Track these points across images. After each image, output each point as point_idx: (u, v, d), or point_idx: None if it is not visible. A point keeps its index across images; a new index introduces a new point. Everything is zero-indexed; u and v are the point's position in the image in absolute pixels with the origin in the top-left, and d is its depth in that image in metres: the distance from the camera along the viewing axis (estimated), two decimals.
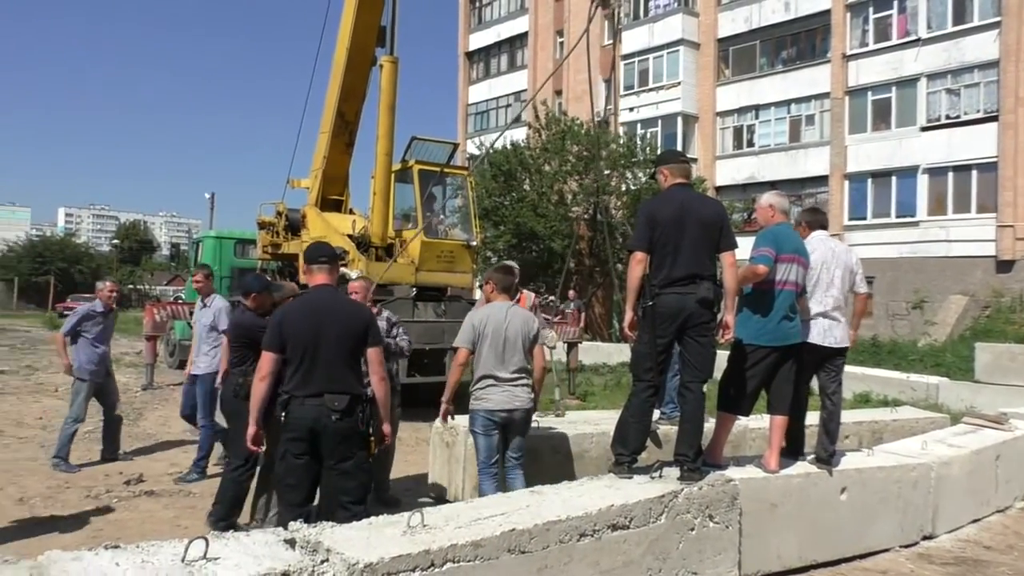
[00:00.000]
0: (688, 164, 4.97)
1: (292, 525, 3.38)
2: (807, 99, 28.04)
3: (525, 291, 7.50)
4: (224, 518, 5.37)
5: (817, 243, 5.33)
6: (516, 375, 5.10)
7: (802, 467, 5.21)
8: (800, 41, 28.57)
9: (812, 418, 5.46)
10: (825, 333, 5.21)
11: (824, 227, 5.56)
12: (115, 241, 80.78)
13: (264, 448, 4.47)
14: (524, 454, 5.23)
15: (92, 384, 7.49)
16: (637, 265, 4.56)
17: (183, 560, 2.85)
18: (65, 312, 40.50)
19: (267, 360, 4.15)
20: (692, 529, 4.33)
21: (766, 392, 5.11)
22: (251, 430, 4.23)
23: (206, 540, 2.95)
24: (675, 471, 4.56)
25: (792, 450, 5.28)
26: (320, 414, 4.05)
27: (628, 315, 4.69)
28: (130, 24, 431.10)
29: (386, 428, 4.42)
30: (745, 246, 4.94)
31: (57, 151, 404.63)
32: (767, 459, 4.98)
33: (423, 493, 6.62)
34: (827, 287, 5.24)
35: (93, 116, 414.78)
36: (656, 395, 4.76)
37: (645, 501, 4.09)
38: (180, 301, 16.47)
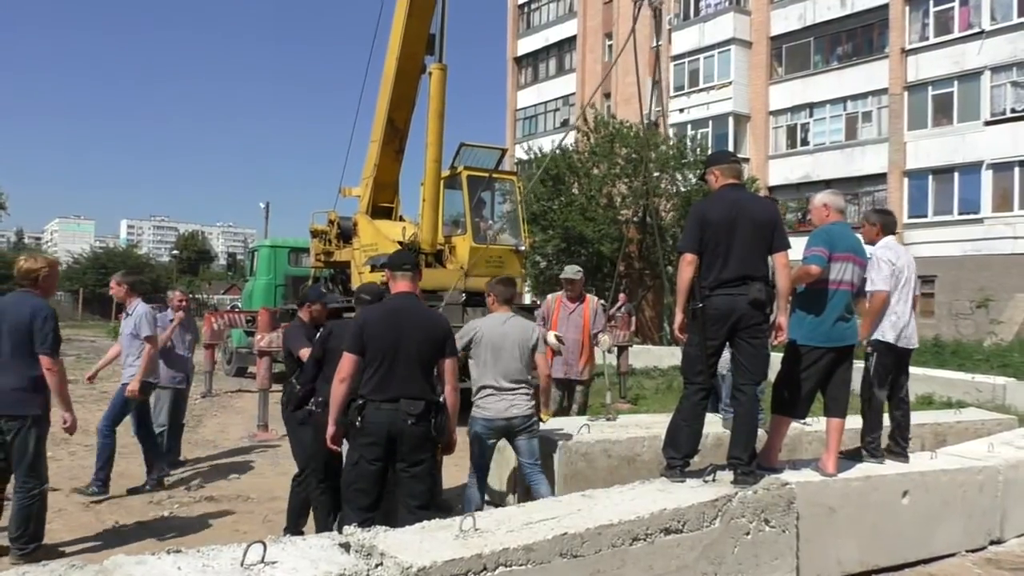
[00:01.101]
0: (739, 164, 4.91)
1: (347, 529, 3.43)
2: (864, 96, 27.46)
3: (589, 295, 7.53)
4: (289, 530, 5.38)
5: (896, 246, 5.47)
6: (515, 385, 5.20)
7: (861, 470, 5.09)
8: (856, 37, 28.00)
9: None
10: (911, 336, 5.40)
11: (895, 230, 5.58)
12: (175, 252, 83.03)
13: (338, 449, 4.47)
14: (540, 459, 5.33)
15: (173, 391, 7.72)
16: (687, 267, 4.52)
17: (242, 564, 2.91)
18: None
19: (348, 362, 4.20)
20: (747, 534, 4.26)
21: (822, 394, 5.01)
22: (331, 430, 4.30)
23: (264, 544, 3.01)
24: (728, 475, 4.50)
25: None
26: (396, 418, 4.12)
27: (678, 317, 4.66)
28: (187, 36, 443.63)
29: (452, 438, 4.47)
30: (799, 246, 4.87)
31: (119, 164, 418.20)
32: (824, 462, 4.87)
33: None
34: (911, 290, 5.42)
35: (153, 129, 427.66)
36: (708, 398, 4.71)
37: (698, 505, 4.04)
38: (236, 310, 16.85)
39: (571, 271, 7.35)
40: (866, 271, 5.16)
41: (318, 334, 5.51)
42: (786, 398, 4.92)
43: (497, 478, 6.32)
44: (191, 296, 57.73)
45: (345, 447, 4.46)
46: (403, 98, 12.22)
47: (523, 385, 5.25)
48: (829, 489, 4.77)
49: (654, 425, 6.47)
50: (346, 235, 13.23)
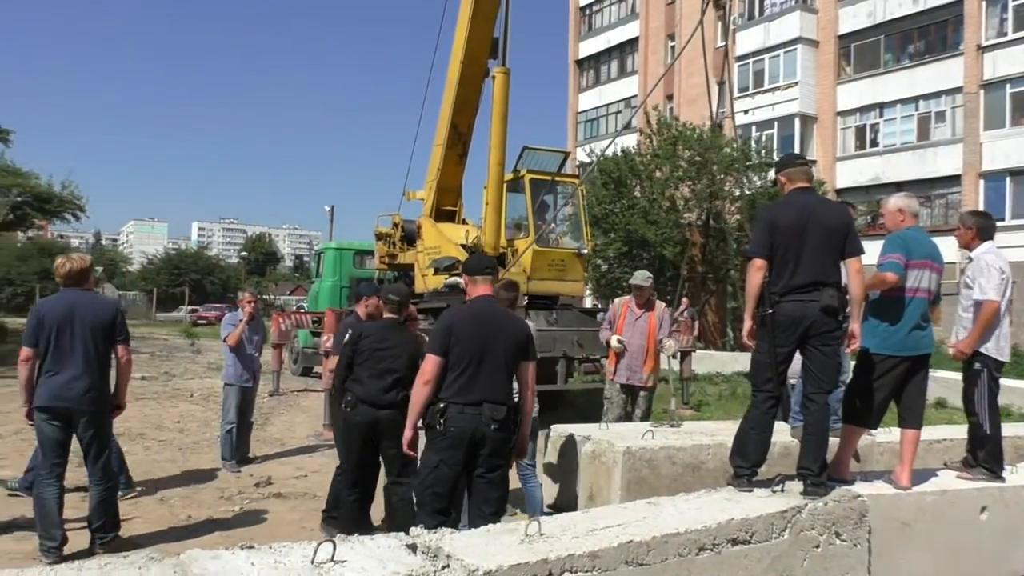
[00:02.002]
0: (809, 167, 4.81)
1: (414, 530, 3.47)
2: (937, 95, 26.63)
3: (657, 302, 7.49)
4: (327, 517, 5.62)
5: (1000, 252, 5.18)
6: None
7: (937, 484, 4.93)
8: (929, 34, 27.17)
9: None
10: (1006, 347, 5.16)
11: (993, 235, 5.30)
12: (243, 253, 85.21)
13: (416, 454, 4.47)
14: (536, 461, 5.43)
15: (241, 389, 7.93)
16: (756, 272, 4.45)
17: (312, 562, 2.97)
18: (199, 320, 43.27)
19: (432, 364, 4.15)
20: (817, 546, 4.16)
21: (896, 404, 4.87)
22: (408, 434, 4.30)
23: (333, 543, 3.07)
24: (798, 485, 4.41)
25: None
26: (478, 423, 4.10)
27: (747, 323, 4.58)
28: (251, 43, 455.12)
29: (524, 443, 4.48)
30: (870, 250, 4.75)
31: (191, 167, 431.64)
32: (898, 475, 4.73)
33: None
34: (1010, 299, 5.16)
35: (222, 131, 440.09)
36: (777, 406, 4.62)
37: (767, 516, 3.97)
38: (302, 311, 17.20)
39: (641, 277, 7.29)
40: (970, 278, 5.00)
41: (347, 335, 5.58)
42: (858, 408, 4.80)
43: (559, 483, 6.33)
44: (259, 297, 59.19)
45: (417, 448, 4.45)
46: (466, 102, 12.32)
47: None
48: (903, 503, 4.63)
49: (719, 432, 6.39)
50: (410, 238, 13.40)
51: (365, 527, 5.33)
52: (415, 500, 4.38)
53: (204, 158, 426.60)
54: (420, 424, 4.35)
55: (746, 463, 4.48)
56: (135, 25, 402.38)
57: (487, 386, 4.15)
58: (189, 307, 48.24)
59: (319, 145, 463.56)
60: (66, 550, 5.00)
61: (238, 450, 7.98)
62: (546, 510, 5.87)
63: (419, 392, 4.19)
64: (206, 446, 8.65)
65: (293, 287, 62.83)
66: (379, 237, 14.10)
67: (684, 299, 21.29)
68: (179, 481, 7.22)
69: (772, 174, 5.10)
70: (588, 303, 26.62)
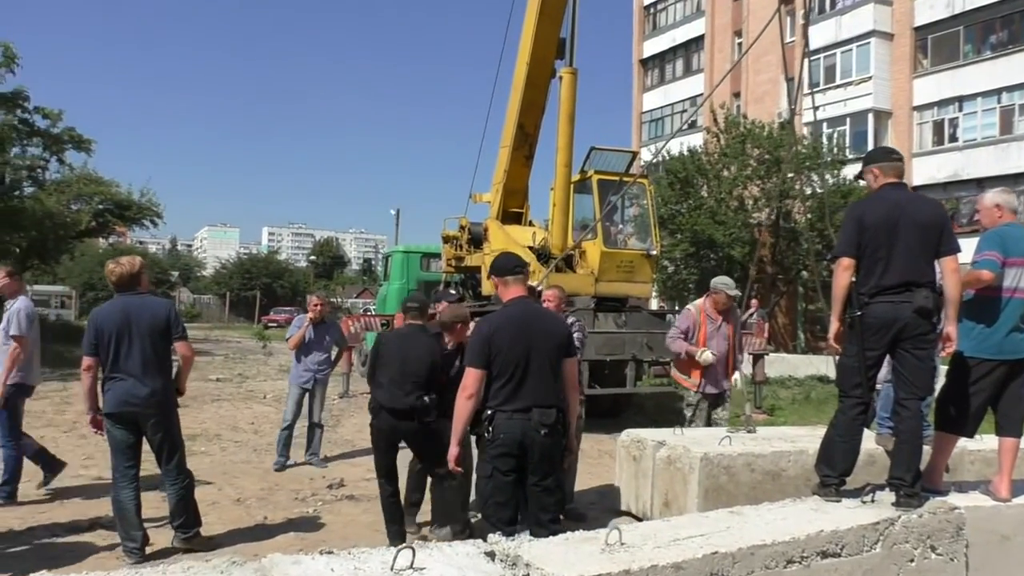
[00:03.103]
0: (901, 162, 4.58)
1: (492, 538, 3.41)
2: (1020, 87, 25.48)
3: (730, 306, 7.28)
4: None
5: None
6: None
7: None
8: (1012, 23, 26.03)
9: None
10: None
11: None
12: (311, 257, 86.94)
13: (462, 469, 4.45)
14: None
15: (299, 390, 8.05)
16: (844, 272, 4.26)
17: (391, 568, 2.93)
18: (270, 324, 44.25)
19: (474, 378, 4.00)
20: (911, 560, 3.97)
21: (992, 411, 4.62)
22: (453, 450, 4.18)
23: (412, 550, 3.03)
24: (889, 496, 4.21)
25: None
26: (528, 428, 3.98)
27: (834, 326, 4.39)
28: (320, 52, 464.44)
29: (573, 442, 4.36)
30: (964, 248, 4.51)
31: (261, 174, 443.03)
32: (997, 485, 4.48)
33: (606, 506, 6.54)
34: None
35: (290, 137, 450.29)
36: (865, 412, 4.42)
37: (857, 528, 3.80)
38: (370, 314, 17.37)
39: (727, 287, 6.86)
40: None
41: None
42: (952, 415, 4.56)
43: (634, 489, 6.20)
44: (326, 300, 60.24)
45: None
46: (533, 103, 12.25)
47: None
48: (1002, 515, 4.38)
49: (799, 438, 6.19)
50: (477, 240, 13.38)
51: (398, 523, 5.55)
52: (482, 514, 4.28)
53: (275, 165, 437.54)
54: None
55: (833, 472, 4.30)
56: (207, 36, 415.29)
57: (534, 391, 4.02)
58: (267, 313, 48.77)
59: (385, 150, 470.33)
60: (148, 549, 5.10)
61: (309, 450, 8.14)
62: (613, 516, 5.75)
63: (462, 407, 4.05)
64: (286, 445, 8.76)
65: (360, 290, 63.74)
66: (446, 240, 14.13)
67: (754, 301, 20.85)
68: (255, 482, 7.33)
69: (848, 172, 4.69)
70: (654, 305, 26.38)
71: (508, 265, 4.32)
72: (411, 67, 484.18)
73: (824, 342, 4.48)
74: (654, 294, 28.16)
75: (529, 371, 4.03)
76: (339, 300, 57.69)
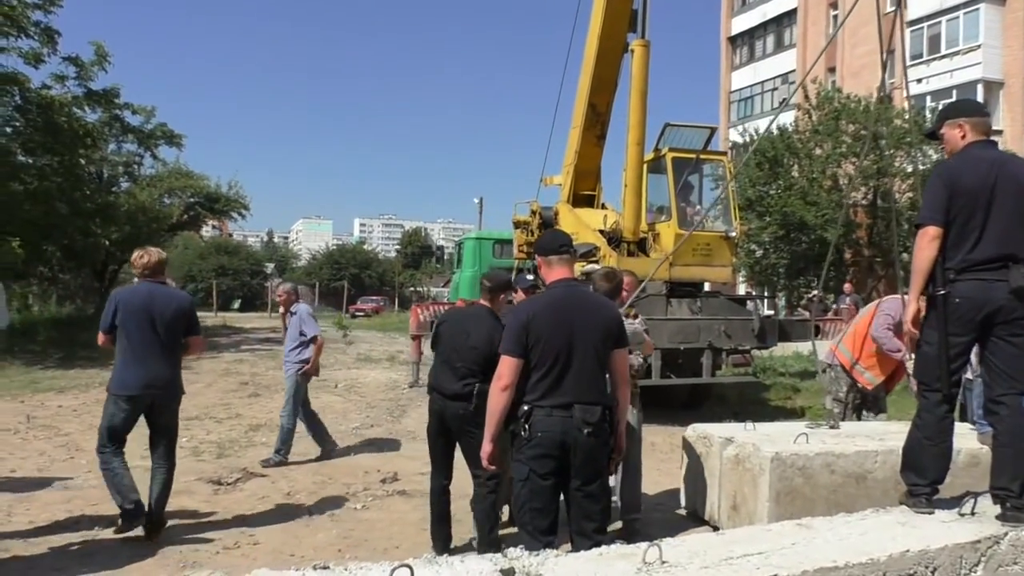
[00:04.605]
0: (990, 118, 3.89)
1: (511, 551, 2.99)
2: None
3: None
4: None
5: None
6: None
7: None
8: None
9: None
10: None
11: None
12: (398, 247, 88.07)
13: (499, 467, 3.97)
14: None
15: (292, 382, 7.76)
16: (930, 243, 3.61)
17: None
18: (357, 313, 44.93)
19: (509, 367, 3.55)
20: None
21: None
22: (487, 447, 3.73)
23: (410, 568, 2.64)
24: (993, 508, 3.57)
25: None
26: (569, 427, 3.51)
27: (911, 306, 3.75)
28: (405, 49, 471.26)
29: (622, 442, 3.86)
30: None
31: (353, 167, 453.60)
32: None
33: (675, 507, 6.02)
34: None
35: (384, 131, 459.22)
36: (953, 408, 3.76)
37: (953, 547, 3.20)
38: (439, 302, 17.13)
39: None
40: None
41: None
42: None
43: (700, 489, 5.65)
44: (412, 289, 61.09)
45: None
46: (604, 80, 11.68)
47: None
48: None
49: (889, 435, 5.49)
50: (548, 225, 12.89)
51: (445, 524, 5.20)
52: (516, 522, 3.82)
53: (366, 158, 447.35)
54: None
55: (923, 480, 3.68)
56: (294, 34, 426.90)
57: (577, 385, 3.53)
58: (354, 302, 49.41)
59: (470, 140, 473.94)
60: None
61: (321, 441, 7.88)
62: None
63: (496, 399, 3.59)
64: (339, 439, 8.57)
65: (447, 279, 64.22)
66: (517, 225, 13.71)
67: (847, 285, 19.68)
68: (308, 475, 7.11)
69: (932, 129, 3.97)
70: (741, 290, 25.33)
71: (553, 244, 3.85)
72: (491, 59, 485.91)
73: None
74: (741, 279, 27.09)
75: (572, 362, 3.56)
76: (425, 289, 58.35)
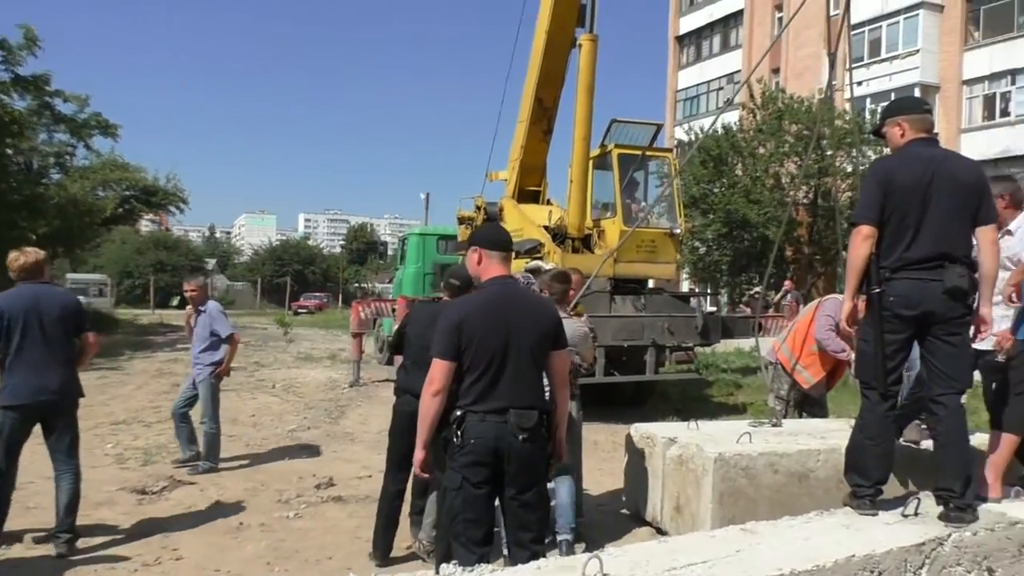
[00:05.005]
0: (931, 115, 3.83)
1: (445, 568, 2.81)
2: None
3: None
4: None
5: None
6: None
7: None
8: None
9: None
10: None
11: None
12: (342, 243, 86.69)
13: (430, 475, 3.68)
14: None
15: (190, 380, 7.39)
16: (862, 242, 3.54)
17: None
18: (300, 310, 44.14)
19: (442, 370, 3.34)
20: None
21: None
22: (419, 454, 3.49)
23: None
24: (935, 508, 3.51)
25: None
26: (504, 433, 3.31)
27: (846, 304, 3.68)
28: (351, 42, 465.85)
29: (561, 448, 3.69)
30: None
31: (298, 162, 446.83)
32: None
33: (617, 507, 5.91)
34: None
35: (329, 124, 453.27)
36: (895, 407, 3.69)
37: (899, 551, 3.12)
38: (382, 299, 16.80)
39: None
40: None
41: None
42: (1013, 412, 3.83)
43: (643, 491, 5.54)
44: (357, 285, 60.22)
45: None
46: (552, 74, 11.52)
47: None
48: None
49: (831, 433, 5.46)
50: (492, 221, 12.74)
51: (390, 532, 4.93)
52: (450, 533, 3.61)
53: (313, 153, 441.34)
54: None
55: (867, 481, 3.60)
56: (236, 25, 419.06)
57: (512, 390, 3.35)
58: (297, 299, 48.49)
59: (418, 135, 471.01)
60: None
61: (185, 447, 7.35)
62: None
63: (428, 405, 3.37)
64: (275, 442, 8.27)
65: (391, 275, 63.56)
66: (461, 221, 13.49)
67: (787, 281, 19.94)
68: (240, 481, 6.78)
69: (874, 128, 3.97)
70: (684, 287, 25.53)
71: (493, 237, 3.62)
72: (440, 55, 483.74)
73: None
74: (684, 276, 27.31)
75: (507, 365, 3.36)
76: (370, 286, 57.61)
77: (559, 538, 4.82)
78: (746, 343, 13.29)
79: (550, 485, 4.73)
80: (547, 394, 3.59)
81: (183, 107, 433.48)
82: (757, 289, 18.24)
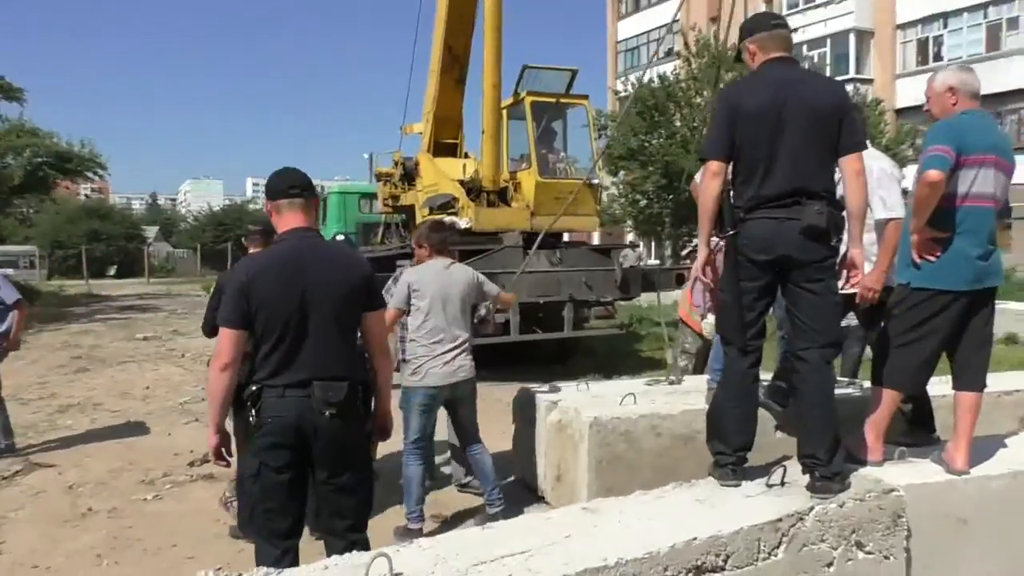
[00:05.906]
0: (788, 30, 3.37)
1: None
2: (1008, 0, 24.01)
3: None
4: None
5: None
6: (462, 343, 4.53)
7: (1007, 462, 3.60)
8: None
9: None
10: None
11: None
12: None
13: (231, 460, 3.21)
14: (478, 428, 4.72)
15: None
16: (712, 179, 3.13)
17: None
18: None
19: (230, 340, 2.88)
20: (830, 564, 2.95)
21: (948, 357, 3.55)
22: (212, 439, 3.03)
23: None
24: (803, 477, 3.16)
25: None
26: (306, 409, 2.86)
27: (701, 251, 3.30)
28: (293, 8, 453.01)
29: (386, 422, 3.26)
30: None
31: (246, 126, 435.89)
32: (951, 453, 3.43)
33: (508, 473, 5.54)
34: None
35: (274, 84, 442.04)
36: (758, 364, 3.31)
37: (749, 529, 2.75)
38: None
39: None
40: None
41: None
42: (895, 365, 3.48)
43: (530, 458, 5.17)
44: None
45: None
46: (461, 19, 10.88)
47: (467, 342, 4.58)
48: (958, 493, 3.34)
49: None
50: (410, 176, 12.18)
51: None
52: (251, 525, 3.16)
53: (259, 117, 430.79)
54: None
55: (728, 448, 3.23)
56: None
57: (315, 359, 2.89)
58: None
59: (363, 95, 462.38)
60: None
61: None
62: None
63: (216, 381, 2.89)
64: (160, 416, 7.73)
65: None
66: (379, 177, 12.91)
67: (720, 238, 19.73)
68: (108, 461, 6.26)
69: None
70: (629, 238, 25.18)
71: (282, 185, 3.10)
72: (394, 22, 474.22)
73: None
74: (628, 229, 27.04)
75: (307, 331, 2.89)
76: None
77: (490, 511, 4.54)
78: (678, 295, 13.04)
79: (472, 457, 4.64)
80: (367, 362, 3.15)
81: (122, 75, 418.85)
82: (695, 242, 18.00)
